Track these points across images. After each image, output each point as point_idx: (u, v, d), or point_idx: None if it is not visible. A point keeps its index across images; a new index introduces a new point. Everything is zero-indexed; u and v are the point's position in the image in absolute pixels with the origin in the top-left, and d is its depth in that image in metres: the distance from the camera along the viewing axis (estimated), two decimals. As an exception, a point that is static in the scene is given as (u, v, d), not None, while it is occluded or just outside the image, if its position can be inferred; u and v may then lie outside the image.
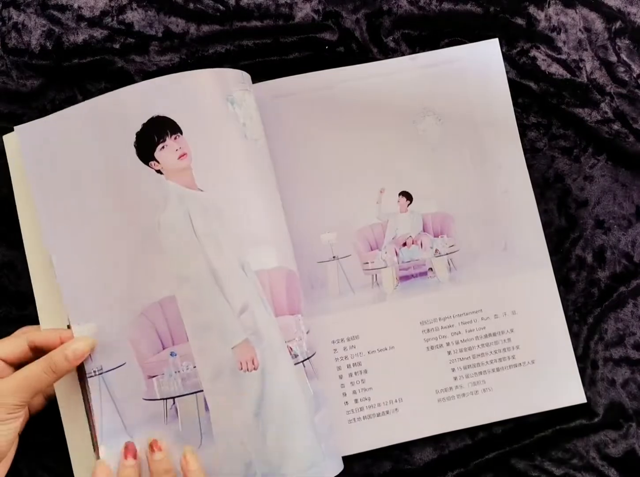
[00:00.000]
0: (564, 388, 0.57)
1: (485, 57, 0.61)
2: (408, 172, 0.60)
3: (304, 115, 0.59)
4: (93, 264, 0.52)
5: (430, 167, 0.60)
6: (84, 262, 0.52)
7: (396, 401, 0.57)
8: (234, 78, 0.54)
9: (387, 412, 0.56)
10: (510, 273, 0.59)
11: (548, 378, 0.57)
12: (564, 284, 0.60)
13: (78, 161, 0.53)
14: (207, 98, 0.52)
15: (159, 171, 0.52)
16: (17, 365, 0.50)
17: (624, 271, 0.60)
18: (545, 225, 0.60)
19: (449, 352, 0.57)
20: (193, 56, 0.61)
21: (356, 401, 0.57)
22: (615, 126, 0.62)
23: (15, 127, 0.54)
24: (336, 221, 0.59)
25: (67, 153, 0.53)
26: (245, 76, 0.56)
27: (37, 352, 0.50)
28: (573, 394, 0.57)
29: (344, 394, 0.57)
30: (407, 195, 0.60)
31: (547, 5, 0.63)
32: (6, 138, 0.56)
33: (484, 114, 0.60)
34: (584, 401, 0.57)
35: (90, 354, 0.51)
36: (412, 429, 0.56)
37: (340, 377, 0.57)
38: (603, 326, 0.59)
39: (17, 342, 0.50)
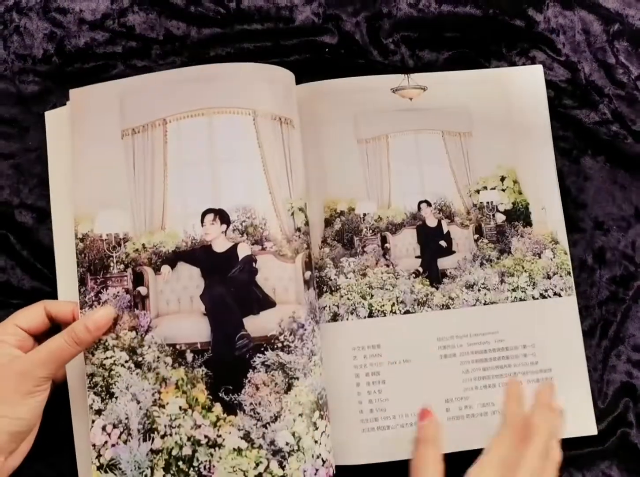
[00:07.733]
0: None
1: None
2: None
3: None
4: None
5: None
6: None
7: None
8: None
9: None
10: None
11: None
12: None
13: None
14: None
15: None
16: (37, 335, 0.51)
17: (624, 273, 0.60)
18: (545, 226, 0.60)
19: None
20: (194, 59, 0.61)
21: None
22: (614, 127, 0.62)
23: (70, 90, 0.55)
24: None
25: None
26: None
27: (53, 322, 0.52)
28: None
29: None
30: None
31: (545, 8, 0.63)
32: (48, 114, 0.58)
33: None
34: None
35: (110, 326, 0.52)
36: None
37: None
38: (604, 325, 0.60)
39: (36, 310, 0.52)
